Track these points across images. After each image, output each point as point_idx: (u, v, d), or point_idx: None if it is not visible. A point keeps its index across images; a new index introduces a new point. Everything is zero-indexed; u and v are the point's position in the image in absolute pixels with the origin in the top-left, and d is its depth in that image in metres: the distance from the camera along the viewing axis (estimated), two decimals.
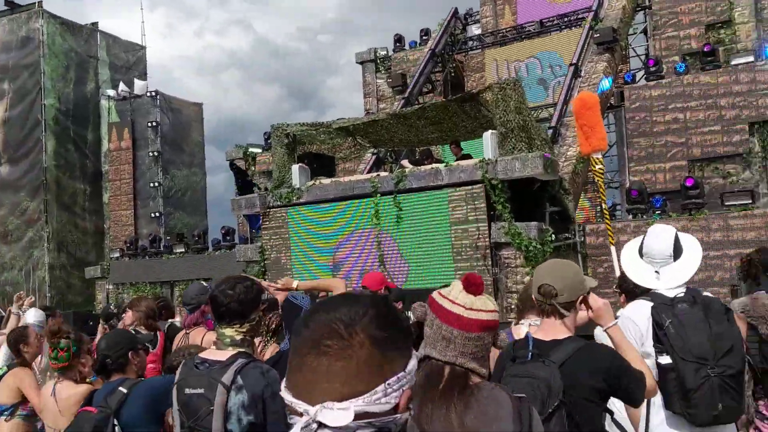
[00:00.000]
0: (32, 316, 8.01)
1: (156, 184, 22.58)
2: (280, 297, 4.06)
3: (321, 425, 1.05)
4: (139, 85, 23.54)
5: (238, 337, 2.87)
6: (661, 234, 3.53)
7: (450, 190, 10.66)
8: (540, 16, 19.44)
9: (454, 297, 2.18)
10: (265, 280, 5.30)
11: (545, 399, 2.48)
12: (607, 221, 6.12)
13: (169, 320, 7.22)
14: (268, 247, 12.63)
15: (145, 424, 3.10)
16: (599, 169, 5.49)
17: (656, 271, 3.47)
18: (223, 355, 2.81)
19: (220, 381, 2.68)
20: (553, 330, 2.64)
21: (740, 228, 11.10)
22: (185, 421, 2.75)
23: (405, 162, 12.29)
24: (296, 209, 12.26)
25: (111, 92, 23.53)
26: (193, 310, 4.77)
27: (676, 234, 3.55)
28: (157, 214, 22.30)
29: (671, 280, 3.42)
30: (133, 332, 4.20)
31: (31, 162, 22.46)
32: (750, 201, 11.47)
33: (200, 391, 2.73)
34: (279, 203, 12.44)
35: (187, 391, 2.77)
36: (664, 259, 3.46)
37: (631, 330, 3.35)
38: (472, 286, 2.16)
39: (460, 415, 2.02)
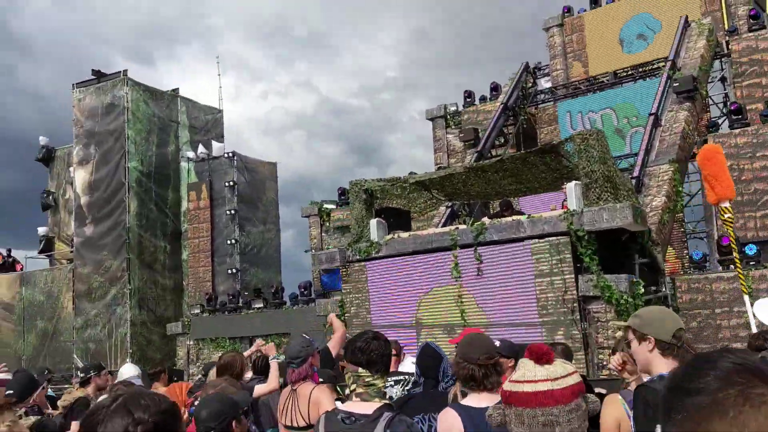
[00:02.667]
0: (128, 370, 8.12)
1: (233, 241, 23.09)
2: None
3: None
4: (216, 146, 24.37)
5: (384, 389, 2.85)
6: None
7: (533, 241, 10.49)
8: (611, 68, 19.40)
9: (533, 376, 2.06)
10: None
11: None
12: (739, 270, 5.92)
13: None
14: (347, 302, 12.64)
15: None
16: (728, 218, 5.34)
17: None
18: (369, 407, 2.78)
19: None
20: None
21: None
22: None
23: (485, 219, 12.20)
24: (375, 263, 12.29)
25: (190, 154, 24.43)
26: (301, 364, 4.74)
27: None
28: (234, 270, 22.72)
29: None
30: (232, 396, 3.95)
31: (114, 221, 23.31)
32: None
33: None
34: (358, 257, 12.50)
35: None
36: None
37: None
38: (543, 357, 2.06)
39: None
